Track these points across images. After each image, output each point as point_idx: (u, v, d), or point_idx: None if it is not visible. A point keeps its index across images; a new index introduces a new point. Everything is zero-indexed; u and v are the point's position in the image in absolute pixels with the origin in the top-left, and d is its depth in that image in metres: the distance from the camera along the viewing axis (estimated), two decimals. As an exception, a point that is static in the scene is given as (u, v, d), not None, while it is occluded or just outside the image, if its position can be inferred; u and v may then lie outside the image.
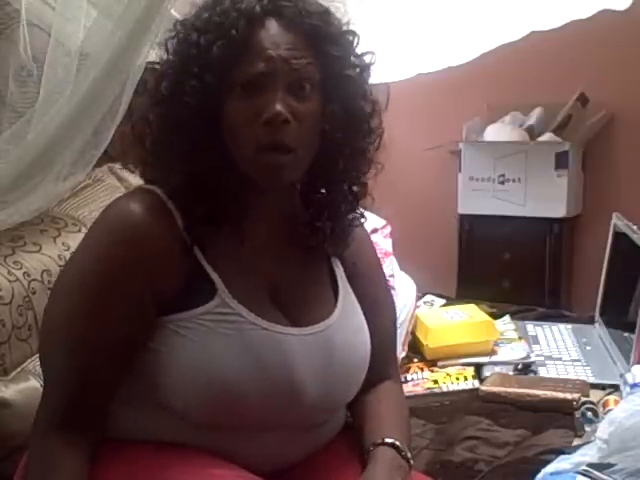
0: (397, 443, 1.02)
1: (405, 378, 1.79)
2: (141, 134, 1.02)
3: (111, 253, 0.96)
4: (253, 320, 0.99)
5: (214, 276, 0.99)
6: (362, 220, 1.14)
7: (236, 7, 0.98)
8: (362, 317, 1.12)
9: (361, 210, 1.13)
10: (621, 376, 1.60)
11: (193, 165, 0.98)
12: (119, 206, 1.00)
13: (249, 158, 0.97)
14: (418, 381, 1.77)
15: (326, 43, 1.01)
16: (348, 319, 1.09)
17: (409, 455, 1.03)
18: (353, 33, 1.05)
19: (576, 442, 1.43)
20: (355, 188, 1.10)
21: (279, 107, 0.95)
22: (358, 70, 1.05)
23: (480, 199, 3.05)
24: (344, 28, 1.05)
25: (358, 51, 1.05)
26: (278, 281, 1.05)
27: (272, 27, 0.98)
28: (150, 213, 0.97)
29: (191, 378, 0.95)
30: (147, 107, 1.02)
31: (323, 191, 1.09)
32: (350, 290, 1.13)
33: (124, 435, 1.00)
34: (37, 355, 1.42)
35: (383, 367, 1.14)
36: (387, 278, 1.88)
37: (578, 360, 1.91)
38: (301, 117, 0.98)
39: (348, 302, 1.11)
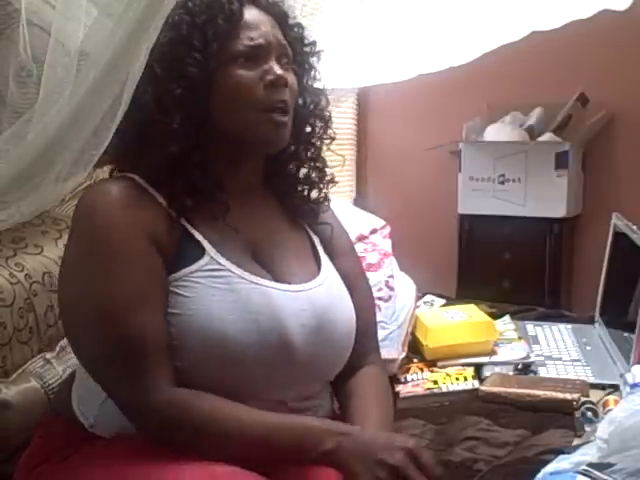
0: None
1: (405, 378, 1.79)
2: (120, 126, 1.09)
3: (104, 223, 1.01)
4: (241, 274, 1.06)
5: (201, 238, 1.06)
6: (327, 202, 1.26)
7: None
8: (344, 288, 1.19)
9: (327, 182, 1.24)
10: (621, 376, 1.60)
11: (183, 141, 1.04)
12: (97, 188, 1.07)
13: (253, 120, 1.07)
14: (418, 381, 1.77)
15: (290, 27, 1.17)
16: (333, 284, 1.17)
17: None
18: (300, 25, 1.20)
19: (576, 442, 1.43)
20: (320, 162, 1.23)
21: (280, 71, 1.09)
22: (312, 50, 1.20)
23: (480, 199, 3.06)
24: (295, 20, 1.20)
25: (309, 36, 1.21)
26: (260, 244, 1.13)
27: (254, 10, 1.13)
28: (131, 190, 1.05)
29: (190, 333, 1.00)
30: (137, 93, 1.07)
31: (292, 167, 1.21)
32: (330, 262, 1.21)
33: (121, 426, 1.02)
34: (37, 357, 1.43)
35: (366, 346, 1.21)
36: (385, 279, 1.88)
37: (578, 360, 1.91)
38: (291, 84, 1.12)
39: (331, 272, 1.19)
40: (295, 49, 1.17)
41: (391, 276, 1.91)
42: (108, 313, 0.99)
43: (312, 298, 1.12)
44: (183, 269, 1.04)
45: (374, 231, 2.01)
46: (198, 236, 1.07)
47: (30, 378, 1.38)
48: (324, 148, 1.24)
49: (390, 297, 1.86)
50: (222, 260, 1.06)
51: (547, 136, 2.99)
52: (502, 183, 3.02)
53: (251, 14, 1.11)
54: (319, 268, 1.18)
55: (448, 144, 3.12)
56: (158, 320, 1.00)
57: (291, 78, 1.12)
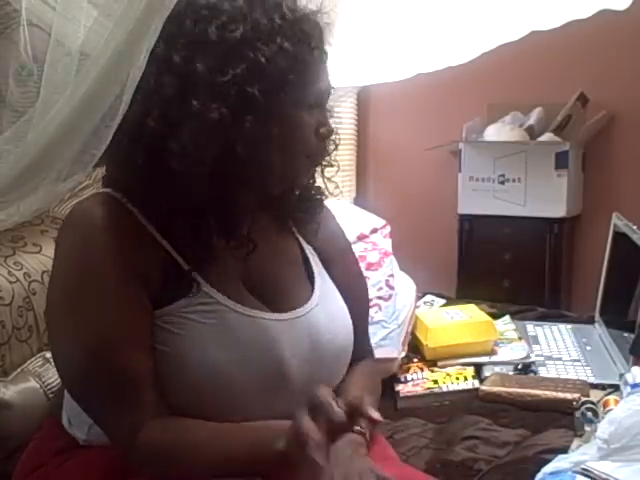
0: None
1: (405, 378, 1.79)
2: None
3: (88, 248, 0.97)
4: (234, 307, 1.00)
5: (187, 267, 0.99)
6: (323, 199, 1.18)
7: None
8: (341, 301, 1.14)
9: (322, 192, 1.18)
10: (621, 376, 1.60)
11: (206, 190, 0.96)
12: (80, 209, 1.02)
13: (295, 165, 1.03)
14: (418, 381, 1.77)
15: None
16: (328, 302, 1.11)
17: (360, 428, 1.03)
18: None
19: (576, 442, 1.43)
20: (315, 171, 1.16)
21: (331, 123, 1.06)
22: None
23: (480, 199, 3.06)
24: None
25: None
26: (251, 269, 1.06)
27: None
28: (111, 209, 0.99)
29: (182, 372, 0.96)
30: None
31: None
32: (326, 274, 1.15)
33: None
34: (36, 356, 1.43)
35: (359, 349, 1.17)
36: (386, 278, 1.88)
37: (578, 360, 1.91)
38: None
39: (326, 286, 1.13)
40: None
41: (391, 275, 1.91)
42: (92, 348, 0.94)
43: (308, 322, 1.06)
44: (172, 304, 0.98)
45: (374, 230, 2.01)
46: (183, 263, 1.00)
47: (29, 377, 1.38)
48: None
49: (390, 296, 1.86)
50: (213, 292, 0.99)
51: (547, 136, 2.99)
52: (502, 183, 3.02)
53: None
54: (312, 283, 1.12)
55: (448, 144, 3.13)
56: (142, 357, 0.95)
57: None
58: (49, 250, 1.51)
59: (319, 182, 1.16)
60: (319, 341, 1.06)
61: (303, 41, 0.99)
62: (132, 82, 0.98)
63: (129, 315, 0.95)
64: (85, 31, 1.19)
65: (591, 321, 2.20)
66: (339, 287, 1.16)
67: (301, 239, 1.17)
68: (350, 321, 1.14)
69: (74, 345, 0.96)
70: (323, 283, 1.13)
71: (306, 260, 1.15)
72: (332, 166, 1.14)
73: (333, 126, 1.07)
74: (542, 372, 1.83)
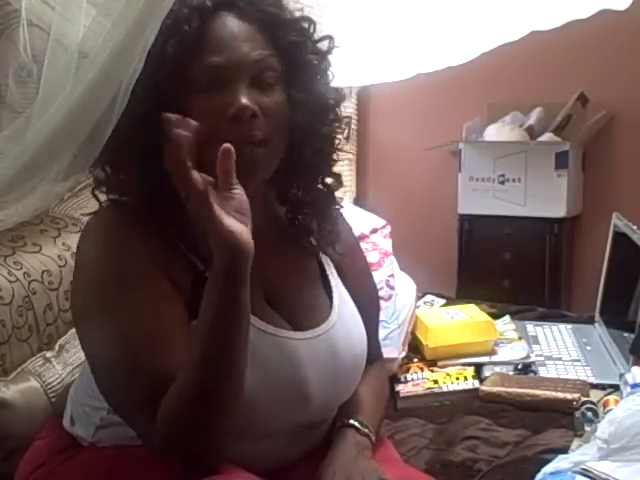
0: (356, 424, 1.06)
1: (405, 378, 1.79)
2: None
3: (116, 247, 0.94)
4: (259, 326, 0.98)
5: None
6: (340, 208, 1.14)
7: (187, 3, 0.96)
8: (356, 311, 1.12)
9: (338, 201, 1.12)
10: (621, 376, 1.60)
11: (153, 174, 0.94)
12: (99, 217, 1.00)
13: (215, 150, 0.88)
14: (418, 381, 1.77)
15: (284, 30, 0.99)
16: (346, 318, 1.09)
17: (368, 431, 1.06)
18: (309, 19, 1.04)
19: (576, 442, 1.43)
20: (328, 180, 1.09)
21: (245, 100, 0.93)
22: (318, 57, 1.03)
23: (480, 199, 3.05)
24: (298, 14, 1.03)
25: (317, 36, 1.03)
26: (273, 286, 1.04)
27: (227, 19, 0.96)
28: (128, 214, 0.96)
29: None
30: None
31: (296, 190, 1.07)
32: (342, 286, 1.12)
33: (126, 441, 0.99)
34: (37, 355, 1.43)
35: (370, 350, 1.14)
36: (386, 278, 1.88)
37: (578, 360, 1.91)
38: (268, 110, 0.95)
39: (343, 300, 1.11)
40: (292, 57, 1.00)
41: (391, 275, 1.91)
42: (130, 347, 0.91)
43: (329, 340, 1.04)
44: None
45: (374, 230, 2.01)
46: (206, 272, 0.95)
47: (29, 377, 1.38)
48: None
49: (390, 296, 1.86)
50: None
51: (547, 136, 2.98)
52: (502, 183, 3.02)
53: (221, 27, 0.96)
54: (330, 296, 1.09)
55: (448, 144, 3.12)
56: (177, 356, 0.90)
57: (268, 102, 0.96)
58: (49, 250, 1.51)
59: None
60: (338, 357, 1.05)
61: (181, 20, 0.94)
62: (129, 81, 0.98)
63: (166, 311, 0.92)
64: (84, 30, 1.19)
65: (591, 321, 2.20)
66: (352, 294, 1.13)
67: (319, 251, 1.13)
68: (364, 331, 1.11)
69: (111, 344, 0.92)
70: (340, 295, 1.11)
71: (323, 271, 1.12)
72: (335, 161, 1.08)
73: (252, 105, 0.94)
74: (542, 372, 1.84)
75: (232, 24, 0.97)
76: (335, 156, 1.08)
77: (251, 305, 0.95)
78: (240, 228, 0.86)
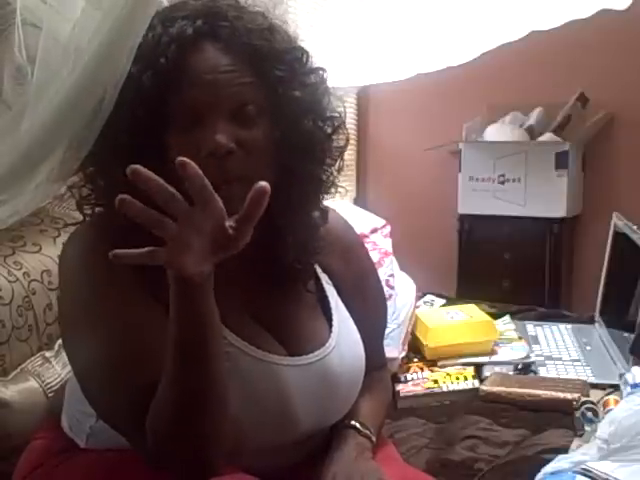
0: (357, 425, 1.06)
1: (405, 378, 1.79)
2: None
3: (98, 258, 0.88)
4: (247, 350, 0.96)
5: None
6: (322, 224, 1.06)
7: (168, 32, 0.91)
8: (356, 334, 1.09)
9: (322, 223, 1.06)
10: (621, 376, 1.60)
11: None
12: (77, 233, 0.97)
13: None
14: (418, 381, 1.77)
15: (269, 63, 0.94)
16: (344, 342, 1.06)
17: (368, 432, 1.06)
18: (301, 49, 0.98)
19: (576, 442, 1.43)
20: (316, 214, 1.04)
21: (219, 137, 0.88)
22: (308, 89, 0.97)
23: (480, 199, 3.05)
24: (291, 44, 0.97)
25: (308, 68, 0.98)
26: (266, 309, 1.01)
27: (207, 50, 0.91)
28: (105, 229, 0.92)
29: None
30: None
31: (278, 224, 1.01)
32: (342, 307, 1.09)
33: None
34: (36, 355, 1.42)
35: (374, 359, 1.14)
36: (386, 278, 1.88)
37: (578, 360, 1.91)
38: (248, 145, 0.90)
39: (343, 323, 1.07)
40: (276, 90, 0.94)
41: (391, 275, 1.91)
42: (115, 361, 0.89)
43: (324, 367, 1.01)
44: None
45: (374, 230, 2.01)
46: None
47: (29, 377, 1.38)
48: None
49: (390, 296, 1.86)
50: (226, 333, 0.93)
51: (547, 136, 2.98)
52: (502, 183, 3.02)
53: (200, 57, 0.91)
54: (328, 320, 1.05)
55: (448, 144, 3.12)
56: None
57: (247, 136, 0.90)
58: (49, 250, 1.51)
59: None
60: (332, 384, 1.02)
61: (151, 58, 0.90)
62: (121, 76, 0.96)
63: (151, 324, 0.90)
64: (75, 23, 1.18)
65: (591, 321, 2.20)
66: (354, 313, 1.10)
67: (317, 267, 1.08)
68: (362, 349, 1.08)
69: (96, 357, 0.91)
70: (340, 321, 1.07)
71: (322, 291, 1.08)
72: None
73: (230, 144, 0.89)
74: (542, 372, 1.83)
75: (212, 56, 0.91)
76: (324, 193, 1.02)
77: (245, 329, 0.94)
78: (184, 261, 0.79)
